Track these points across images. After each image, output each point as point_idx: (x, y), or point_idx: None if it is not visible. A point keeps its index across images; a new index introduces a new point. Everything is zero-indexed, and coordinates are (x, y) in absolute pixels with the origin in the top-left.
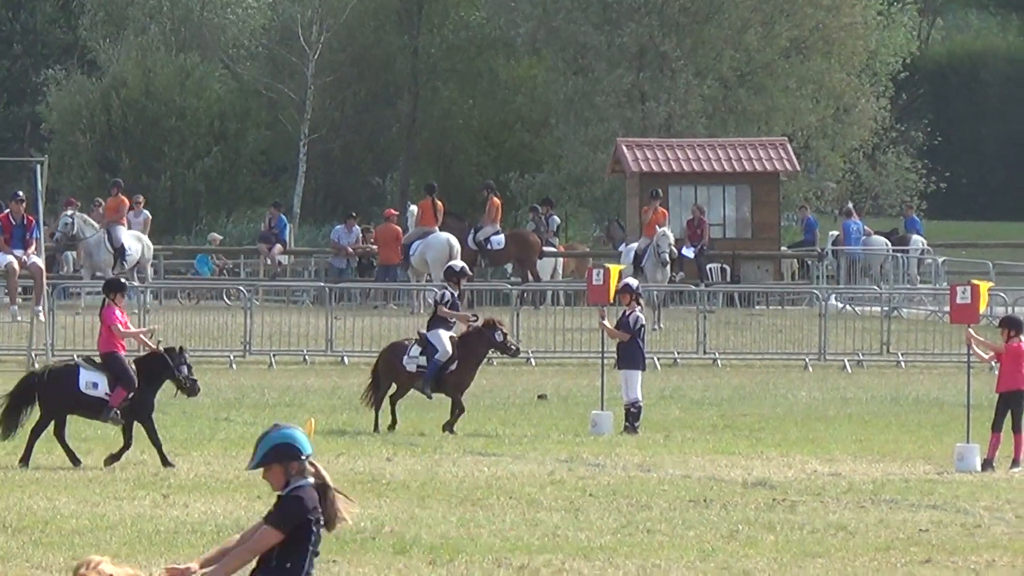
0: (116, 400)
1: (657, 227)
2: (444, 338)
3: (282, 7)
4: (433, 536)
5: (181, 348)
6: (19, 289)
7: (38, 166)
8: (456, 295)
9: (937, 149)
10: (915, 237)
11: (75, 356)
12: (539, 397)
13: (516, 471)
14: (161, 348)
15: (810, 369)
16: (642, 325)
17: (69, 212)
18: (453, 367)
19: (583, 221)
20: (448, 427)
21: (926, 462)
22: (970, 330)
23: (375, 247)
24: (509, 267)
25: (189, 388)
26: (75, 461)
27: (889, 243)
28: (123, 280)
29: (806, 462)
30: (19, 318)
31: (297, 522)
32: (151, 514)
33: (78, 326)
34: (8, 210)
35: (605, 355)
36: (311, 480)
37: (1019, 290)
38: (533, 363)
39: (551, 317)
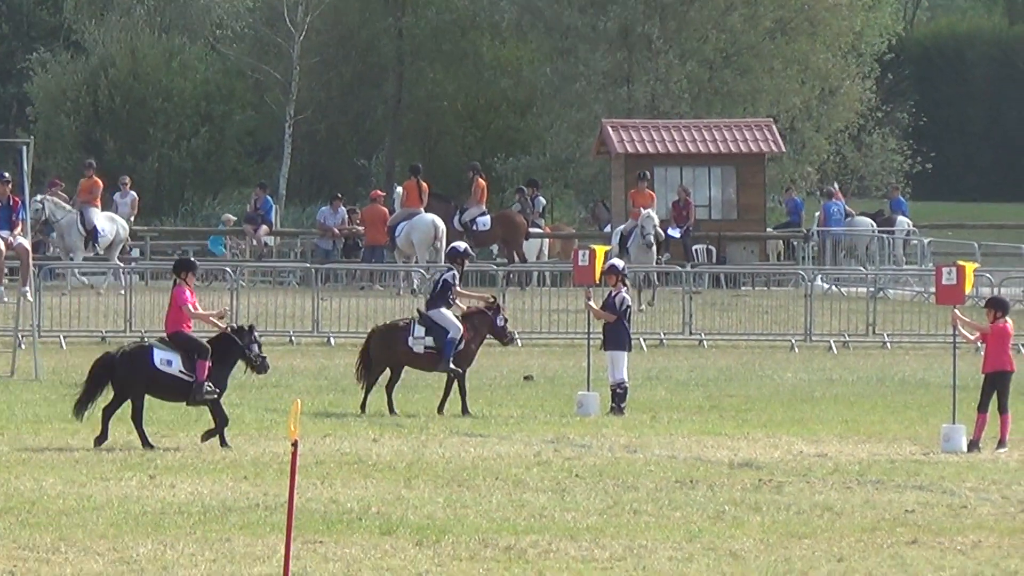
0: (202, 373)
1: (642, 209)
2: (451, 316)
3: None
4: (420, 517)
5: (251, 326)
6: (5, 270)
7: (24, 147)
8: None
9: (923, 130)
10: (901, 218)
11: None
12: (525, 378)
13: (502, 452)
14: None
15: (796, 350)
16: (628, 306)
17: (39, 197)
18: (461, 346)
19: (568, 202)
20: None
21: (912, 443)
22: (956, 311)
23: (361, 228)
24: (495, 248)
25: (259, 366)
26: (147, 444)
27: (875, 224)
28: (193, 259)
29: (792, 443)
30: (6, 299)
31: None
32: (138, 495)
33: (65, 307)
34: None
35: (591, 336)
36: None
37: (1005, 271)
38: (519, 344)
39: (537, 298)
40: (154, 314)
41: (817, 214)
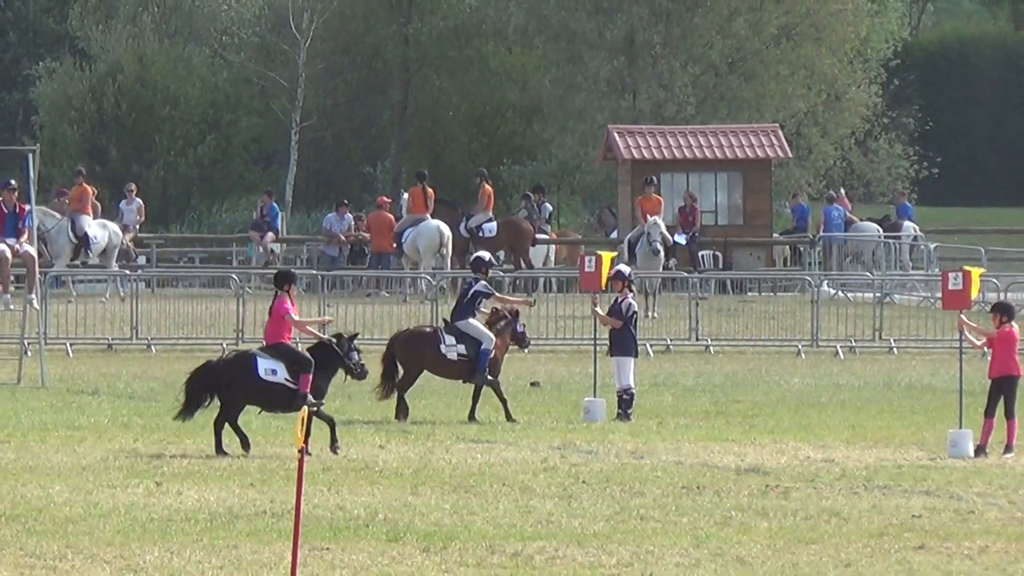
0: (305, 386)
1: (648, 216)
2: (481, 327)
3: None
4: (426, 523)
5: (352, 335)
6: (12, 278)
7: (30, 155)
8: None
9: (928, 135)
10: (907, 223)
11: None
12: (532, 384)
13: (509, 458)
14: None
15: (802, 355)
16: (634, 312)
17: (27, 208)
18: (492, 354)
19: (575, 208)
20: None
21: (919, 448)
22: (962, 316)
23: (367, 235)
24: (501, 254)
25: (359, 373)
26: (246, 446)
27: (880, 229)
28: (293, 270)
29: (799, 448)
30: (12, 307)
31: None
32: (144, 502)
33: (71, 314)
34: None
35: (597, 342)
36: None
37: (1011, 276)
38: (526, 350)
39: (543, 304)
40: (160, 321)
41: (810, 217)
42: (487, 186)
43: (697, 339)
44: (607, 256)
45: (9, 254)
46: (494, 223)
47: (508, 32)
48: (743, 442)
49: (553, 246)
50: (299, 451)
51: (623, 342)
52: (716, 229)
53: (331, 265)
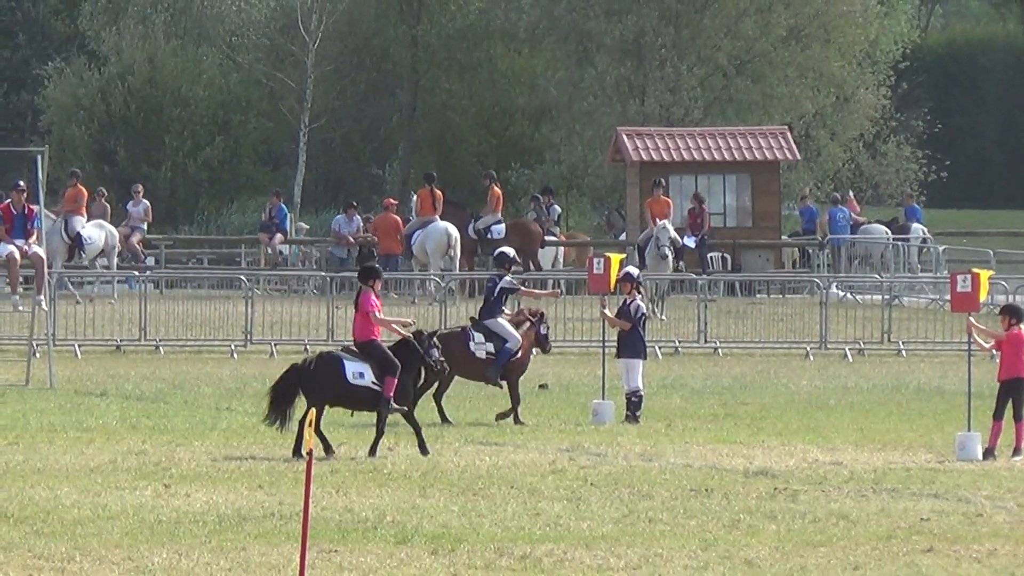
0: (389, 390)
1: (657, 220)
2: (509, 326)
3: None
4: (435, 526)
5: (433, 332)
6: (20, 279)
7: (39, 156)
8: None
9: (937, 138)
10: (915, 225)
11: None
12: (540, 387)
13: (517, 460)
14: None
15: (811, 358)
16: (643, 314)
17: (36, 209)
18: (518, 355)
19: (583, 210)
20: (508, 416)
21: (927, 451)
22: (971, 318)
23: (375, 237)
24: None
25: (440, 371)
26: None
27: (889, 232)
28: (378, 265)
29: (807, 451)
30: (20, 308)
31: None
32: (153, 504)
33: (79, 315)
34: (9, 200)
35: (606, 344)
36: None
37: (1020, 278)
38: (534, 352)
39: (552, 306)
40: (169, 322)
41: (818, 219)
42: (496, 188)
43: (706, 341)
44: (616, 258)
45: (18, 255)
46: (503, 225)
47: (519, 33)
48: (751, 444)
49: (562, 248)
50: (306, 454)
51: (632, 344)
52: (725, 231)
53: (340, 267)
